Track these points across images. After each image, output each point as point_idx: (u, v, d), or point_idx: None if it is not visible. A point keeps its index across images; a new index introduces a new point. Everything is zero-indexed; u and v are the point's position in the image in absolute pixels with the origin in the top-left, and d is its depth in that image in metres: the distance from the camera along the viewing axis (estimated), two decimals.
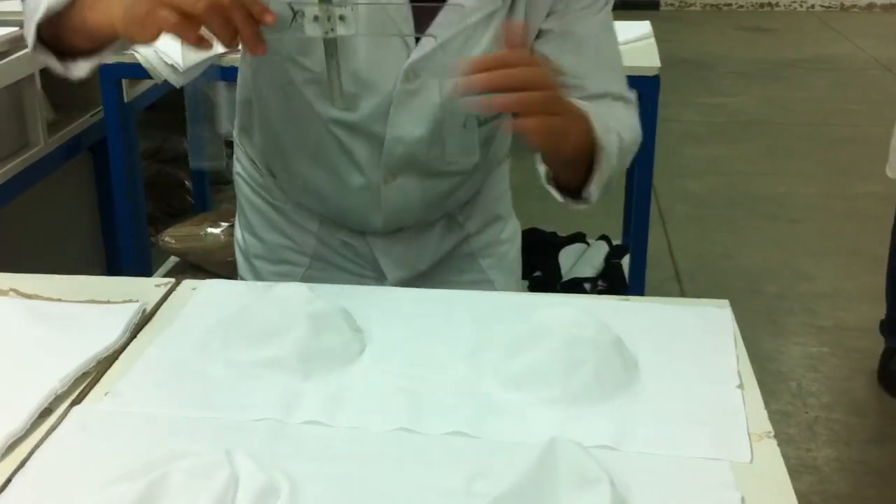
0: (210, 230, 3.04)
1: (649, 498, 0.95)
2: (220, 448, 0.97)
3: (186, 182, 3.84)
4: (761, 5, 9.05)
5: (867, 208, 4.21)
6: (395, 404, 1.11)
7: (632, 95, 1.44)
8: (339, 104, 1.24)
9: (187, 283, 1.40)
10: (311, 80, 1.36)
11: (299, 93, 1.38)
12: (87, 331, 1.24)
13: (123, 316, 1.28)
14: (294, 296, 1.22)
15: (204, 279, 1.42)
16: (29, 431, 1.05)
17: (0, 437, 1.03)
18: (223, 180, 3.96)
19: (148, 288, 1.38)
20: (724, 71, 6.82)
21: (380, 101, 1.36)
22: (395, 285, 1.53)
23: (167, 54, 2.51)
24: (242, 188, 1.63)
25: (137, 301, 1.32)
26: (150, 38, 1.14)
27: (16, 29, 2.44)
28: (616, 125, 1.32)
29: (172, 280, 1.41)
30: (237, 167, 1.64)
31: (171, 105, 3.45)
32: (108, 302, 1.32)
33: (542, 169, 1.33)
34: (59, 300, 1.33)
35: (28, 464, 1.01)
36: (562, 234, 3.42)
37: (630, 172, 3.26)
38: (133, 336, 1.26)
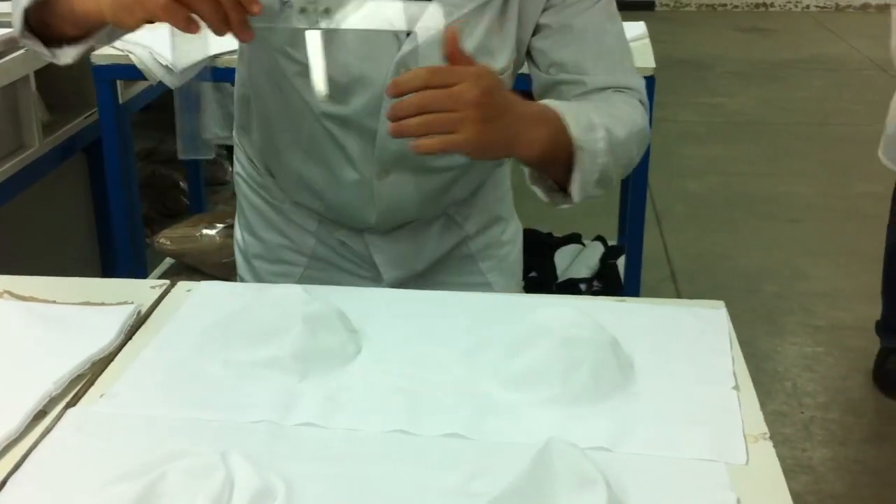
0: (205, 231, 3.04)
1: (645, 499, 0.95)
2: (217, 449, 0.97)
3: (182, 183, 3.84)
4: (756, 6, 9.05)
5: (865, 208, 4.21)
6: (391, 405, 1.11)
7: (638, 83, 1.43)
8: (325, 98, 1.23)
9: (182, 285, 1.39)
10: (303, 73, 1.35)
11: (291, 86, 1.39)
12: (81, 332, 1.24)
13: (118, 318, 1.27)
14: (290, 297, 1.22)
15: (199, 281, 1.42)
16: (24, 434, 1.05)
17: None
18: (219, 181, 3.96)
19: (143, 289, 1.37)
20: (721, 71, 6.82)
21: (371, 96, 1.35)
22: (392, 286, 1.53)
23: (162, 55, 2.51)
24: (242, 188, 1.63)
25: (132, 303, 1.32)
26: (138, 23, 1.13)
27: (10, 30, 2.44)
28: (606, 120, 1.31)
29: (167, 282, 1.40)
30: (237, 167, 1.64)
31: (166, 106, 3.46)
32: (103, 304, 1.32)
33: (526, 169, 1.33)
34: (54, 302, 1.33)
35: (23, 466, 1.00)
36: (557, 234, 3.41)
37: None
38: (128, 338, 1.25)
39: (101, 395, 1.13)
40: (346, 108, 1.37)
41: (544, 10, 1.38)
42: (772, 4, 9.04)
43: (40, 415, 1.09)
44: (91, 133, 2.78)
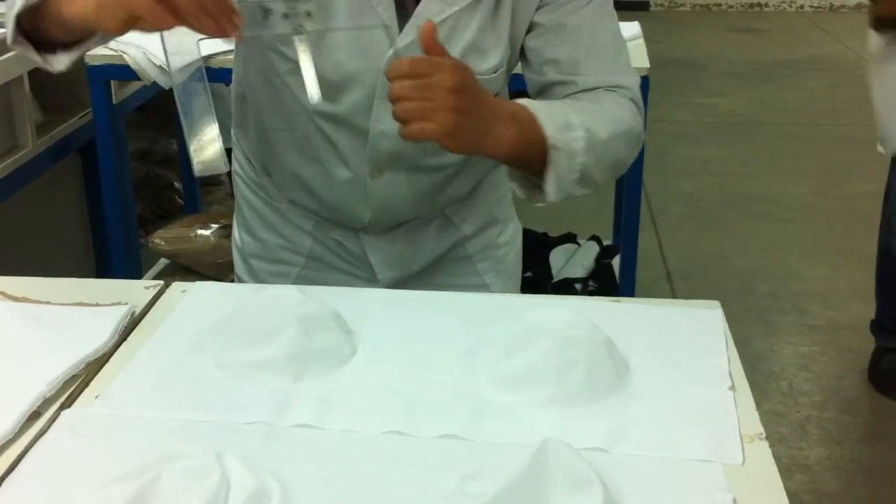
0: (200, 232, 3.04)
1: (641, 500, 0.95)
2: (212, 450, 0.97)
3: (176, 183, 3.84)
4: (751, 6, 9.06)
5: (859, 208, 4.21)
6: (387, 406, 1.10)
7: (631, 81, 1.42)
8: (319, 102, 1.24)
9: (177, 286, 1.39)
10: (295, 71, 1.35)
11: (284, 84, 1.38)
12: (76, 333, 1.23)
13: (113, 318, 1.27)
14: (285, 297, 1.22)
15: (194, 281, 1.42)
16: (18, 435, 1.05)
17: None
18: (213, 182, 3.96)
19: (137, 290, 1.37)
20: (716, 71, 6.83)
21: (363, 94, 1.35)
22: (388, 286, 1.53)
23: (155, 55, 2.51)
24: (240, 187, 1.63)
25: (127, 303, 1.31)
26: (122, 27, 1.13)
27: (3, 31, 2.43)
28: (587, 119, 1.31)
29: (162, 282, 1.40)
30: (234, 165, 1.64)
31: (161, 106, 3.45)
32: (98, 304, 1.32)
33: (503, 166, 1.33)
34: (48, 302, 1.32)
35: (18, 468, 1.00)
36: (552, 234, 3.42)
37: None
38: (122, 339, 1.25)
39: (96, 397, 1.13)
40: (338, 107, 1.37)
41: (538, 8, 1.38)
42: (766, 5, 9.05)
43: (34, 416, 1.08)
44: (85, 133, 2.78)
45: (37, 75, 2.56)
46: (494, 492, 0.92)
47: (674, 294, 3.72)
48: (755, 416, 1.09)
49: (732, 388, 1.14)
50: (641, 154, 2.70)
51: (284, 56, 1.35)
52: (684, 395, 1.13)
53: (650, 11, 8.87)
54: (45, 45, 1.28)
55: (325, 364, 1.18)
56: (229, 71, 1.57)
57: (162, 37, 1.16)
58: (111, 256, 2.88)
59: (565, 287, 3.13)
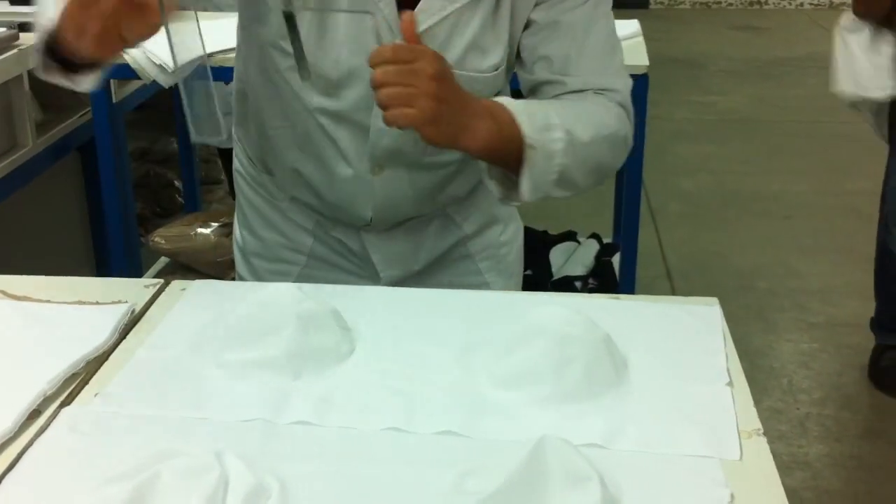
0: (200, 230, 3.04)
1: (639, 496, 0.95)
2: (211, 448, 0.97)
3: (176, 182, 3.84)
4: (750, 3, 9.06)
5: (858, 205, 4.22)
6: (385, 403, 1.11)
7: (622, 85, 1.42)
8: (308, 81, 1.24)
9: (177, 284, 1.39)
10: (295, 67, 1.36)
11: (284, 80, 1.39)
12: (75, 332, 1.24)
13: (112, 317, 1.27)
14: (283, 296, 1.22)
15: (194, 280, 1.42)
16: (18, 433, 1.05)
17: None
18: (213, 180, 3.96)
19: (137, 289, 1.37)
20: (715, 69, 6.83)
21: (364, 90, 1.35)
22: (390, 285, 1.53)
23: (155, 54, 2.51)
24: (240, 185, 1.63)
25: (126, 302, 1.32)
26: (100, 46, 1.15)
27: (2, 30, 2.44)
28: (569, 121, 1.31)
29: (161, 281, 1.40)
30: (235, 164, 1.65)
31: (160, 105, 3.45)
32: (98, 303, 1.32)
33: (483, 163, 1.33)
34: (49, 301, 1.32)
35: (17, 466, 1.00)
36: (552, 232, 3.42)
37: (620, 171, 3.26)
38: (122, 337, 1.25)
39: (96, 395, 1.13)
40: (338, 103, 1.37)
41: (535, 5, 1.38)
42: (766, 2, 9.05)
43: (35, 414, 1.09)
44: (85, 132, 2.78)
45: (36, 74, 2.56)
46: (493, 488, 0.92)
47: (673, 292, 3.72)
48: (753, 412, 1.09)
49: (730, 384, 1.14)
50: (641, 152, 2.72)
51: (285, 52, 1.35)
52: (682, 392, 1.13)
53: (649, 9, 8.87)
54: (70, 65, 1.27)
55: (324, 362, 1.18)
56: (230, 70, 1.57)
57: (168, 30, 1.16)
58: (111, 255, 2.88)
59: (565, 285, 3.14)
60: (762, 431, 1.05)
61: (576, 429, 1.05)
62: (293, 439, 1.05)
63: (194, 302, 1.34)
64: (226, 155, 3.72)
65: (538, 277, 3.15)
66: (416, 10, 1.31)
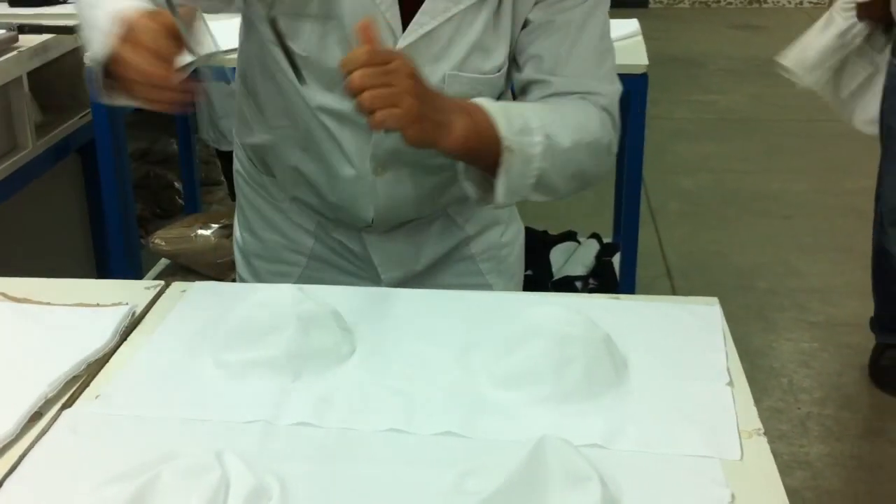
0: (200, 232, 3.04)
1: (640, 496, 0.95)
2: (211, 449, 0.97)
3: (176, 184, 3.84)
4: (750, 2, 9.06)
5: (858, 204, 4.21)
6: (385, 404, 1.11)
7: (609, 90, 1.41)
8: (305, 84, 1.24)
9: (177, 286, 1.40)
10: (300, 67, 1.36)
11: (287, 80, 1.38)
12: (76, 334, 1.24)
13: (113, 319, 1.27)
14: (283, 297, 1.22)
15: (194, 281, 1.42)
16: (20, 435, 1.06)
17: None
18: (213, 181, 3.96)
19: (137, 290, 1.38)
20: (714, 68, 6.82)
21: None
22: (391, 286, 1.53)
23: None
24: (241, 186, 1.64)
25: (127, 304, 1.32)
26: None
27: (2, 32, 2.44)
28: (550, 125, 1.31)
29: (162, 283, 1.40)
30: (236, 164, 1.65)
31: None
32: (98, 305, 1.32)
33: (459, 164, 1.32)
34: (49, 303, 1.33)
35: (19, 468, 1.01)
36: (553, 232, 3.42)
37: (620, 170, 3.26)
38: (123, 339, 1.25)
39: (97, 397, 1.13)
40: (341, 103, 1.37)
41: (534, 5, 1.38)
42: (765, 1, 9.04)
43: (36, 416, 1.09)
44: (85, 134, 2.78)
45: (36, 76, 2.56)
46: (493, 489, 0.92)
47: (673, 291, 3.72)
48: (753, 411, 1.09)
49: (731, 384, 1.14)
50: (641, 152, 2.72)
51: (287, 52, 1.35)
52: (683, 392, 1.13)
53: (649, 9, 8.86)
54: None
55: (324, 363, 1.18)
56: (232, 70, 1.57)
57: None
58: (111, 257, 2.88)
59: (566, 285, 3.14)
60: (763, 431, 1.06)
61: (576, 429, 1.05)
62: (293, 440, 1.05)
63: (195, 304, 1.34)
64: (225, 156, 3.72)
65: (538, 277, 3.15)
66: (419, 11, 1.32)
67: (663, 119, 5.42)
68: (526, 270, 1.76)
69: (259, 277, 1.62)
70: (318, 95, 1.37)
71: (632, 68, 2.65)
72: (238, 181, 1.65)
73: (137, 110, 3.13)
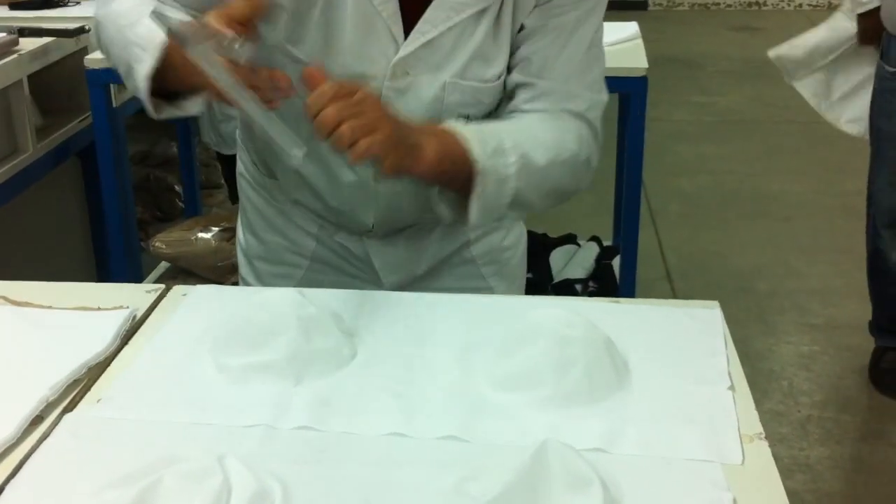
0: (201, 235, 3.04)
1: (641, 499, 0.96)
2: (213, 453, 0.97)
3: (176, 187, 3.84)
4: (749, 4, 9.06)
5: (857, 206, 4.19)
6: (386, 408, 1.11)
7: (592, 99, 1.41)
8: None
9: (178, 289, 1.40)
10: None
11: (290, 85, 1.38)
12: (77, 338, 1.24)
13: (114, 322, 1.27)
14: (284, 300, 1.22)
15: (195, 284, 1.42)
16: (21, 439, 1.06)
17: None
18: (213, 184, 3.96)
19: (138, 294, 1.38)
20: (714, 70, 6.83)
21: None
22: (392, 290, 1.53)
23: None
24: (244, 188, 1.64)
25: (128, 307, 1.32)
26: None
27: (2, 35, 2.44)
28: (524, 144, 1.31)
29: (163, 286, 1.40)
30: (239, 166, 1.65)
31: None
32: (99, 308, 1.32)
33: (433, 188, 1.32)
34: (50, 307, 1.33)
35: (20, 472, 1.01)
36: (552, 235, 3.42)
37: (619, 172, 3.27)
38: (124, 342, 1.25)
39: (98, 400, 1.13)
40: None
41: (531, 11, 1.38)
42: (764, 3, 9.05)
43: (37, 420, 1.09)
44: (85, 137, 2.78)
45: (37, 79, 2.56)
46: (494, 492, 0.92)
47: (673, 292, 3.72)
48: (754, 415, 1.09)
49: (732, 387, 1.14)
50: (640, 154, 2.73)
51: (292, 56, 1.35)
52: (684, 395, 1.13)
53: (648, 11, 8.87)
54: (173, 95, 1.27)
55: (325, 366, 1.18)
56: None
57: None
58: (111, 260, 2.88)
59: (565, 288, 3.14)
60: (763, 435, 1.06)
61: (576, 432, 1.05)
62: (295, 444, 1.05)
63: (196, 307, 1.34)
64: (226, 160, 3.72)
65: (538, 280, 3.16)
66: (421, 19, 1.32)
67: (663, 121, 5.42)
68: (526, 273, 1.76)
69: (261, 279, 1.62)
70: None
71: (631, 70, 2.66)
72: (241, 183, 1.65)
73: (138, 113, 3.14)
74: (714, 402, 1.11)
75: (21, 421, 1.07)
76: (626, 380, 1.16)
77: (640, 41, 2.88)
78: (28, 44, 2.51)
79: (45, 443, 1.05)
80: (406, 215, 1.51)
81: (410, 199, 1.47)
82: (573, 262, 3.28)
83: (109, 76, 2.60)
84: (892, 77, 2.80)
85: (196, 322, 1.29)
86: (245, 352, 1.18)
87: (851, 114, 3.12)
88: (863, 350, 3.19)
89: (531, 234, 3.35)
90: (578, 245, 3.39)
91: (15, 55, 2.44)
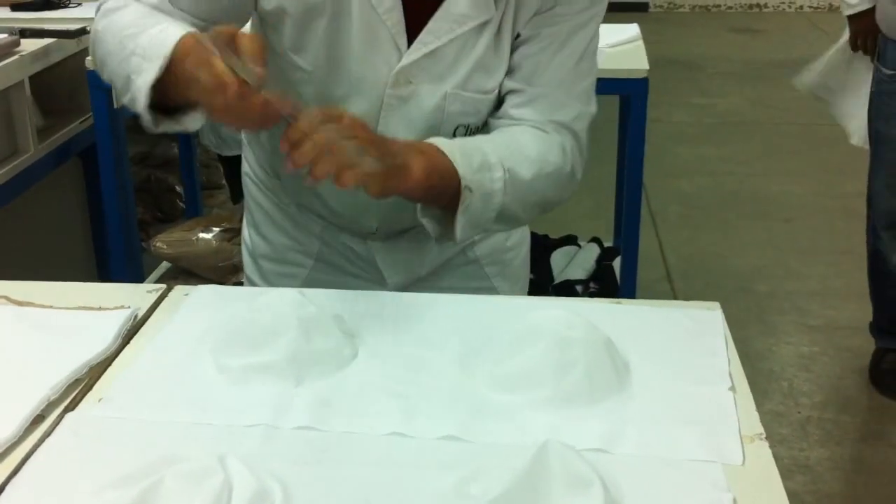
0: (202, 235, 3.04)
1: (642, 500, 0.96)
2: (214, 453, 0.97)
3: (177, 187, 3.84)
4: (750, 6, 9.07)
5: (858, 207, 4.19)
6: (387, 408, 1.11)
7: (579, 110, 1.41)
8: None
9: (179, 289, 1.40)
10: (306, 81, 1.36)
11: (297, 93, 1.39)
12: (78, 337, 1.24)
13: (115, 322, 1.28)
14: (285, 300, 1.22)
15: (196, 284, 1.42)
16: (22, 438, 1.06)
17: None
18: (214, 185, 3.96)
19: (139, 294, 1.38)
20: (714, 72, 6.83)
21: (370, 104, 1.36)
22: (396, 290, 1.53)
23: None
24: (250, 188, 1.64)
25: (129, 307, 1.32)
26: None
27: (4, 36, 2.44)
28: (509, 159, 1.31)
29: (164, 286, 1.41)
30: (245, 167, 1.65)
31: None
32: (100, 308, 1.32)
33: (418, 205, 1.32)
34: (51, 307, 1.33)
35: (21, 471, 1.01)
36: (553, 236, 3.42)
37: (620, 174, 3.27)
38: (125, 342, 1.26)
39: (99, 400, 1.13)
40: None
41: (528, 22, 1.38)
42: (765, 5, 9.06)
43: (38, 419, 1.09)
44: (86, 138, 2.79)
45: (38, 80, 2.57)
46: (495, 493, 0.92)
47: (673, 293, 3.72)
48: (755, 416, 1.09)
49: (732, 388, 1.14)
50: (641, 155, 2.73)
51: (296, 65, 1.36)
52: (684, 396, 1.13)
53: (649, 13, 8.88)
54: (172, 110, 1.25)
55: (326, 366, 1.18)
56: None
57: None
58: (112, 260, 2.88)
59: (566, 289, 3.14)
60: (764, 436, 1.06)
61: (577, 432, 1.05)
62: (295, 444, 1.05)
63: (197, 307, 1.34)
64: (226, 160, 3.72)
65: (539, 281, 3.16)
66: (424, 30, 1.32)
67: (663, 122, 5.43)
68: (529, 273, 1.77)
69: (266, 278, 1.62)
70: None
71: (632, 72, 2.66)
72: (246, 182, 1.65)
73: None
74: (714, 403, 1.12)
75: (22, 420, 1.07)
76: (626, 380, 1.16)
77: (640, 43, 2.89)
78: (29, 45, 2.51)
79: (46, 442, 1.05)
80: (409, 218, 1.51)
81: (413, 204, 1.48)
82: (574, 263, 3.29)
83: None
84: (889, 80, 2.80)
85: (197, 322, 1.29)
86: (246, 352, 1.18)
87: (853, 126, 3.15)
88: (863, 351, 3.19)
89: (532, 235, 3.36)
90: (579, 246, 3.40)
91: (16, 56, 2.44)
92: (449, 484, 0.97)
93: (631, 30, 2.93)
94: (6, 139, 2.49)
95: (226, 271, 2.84)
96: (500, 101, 1.42)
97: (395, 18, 1.32)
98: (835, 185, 4.70)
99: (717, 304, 1.34)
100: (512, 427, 1.08)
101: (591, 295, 3.12)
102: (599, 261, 3.30)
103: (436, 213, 1.32)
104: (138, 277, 2.93)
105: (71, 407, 1.12)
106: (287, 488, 0.97)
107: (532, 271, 3.14)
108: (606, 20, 1.46)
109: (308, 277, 1.58)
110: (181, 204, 3.81)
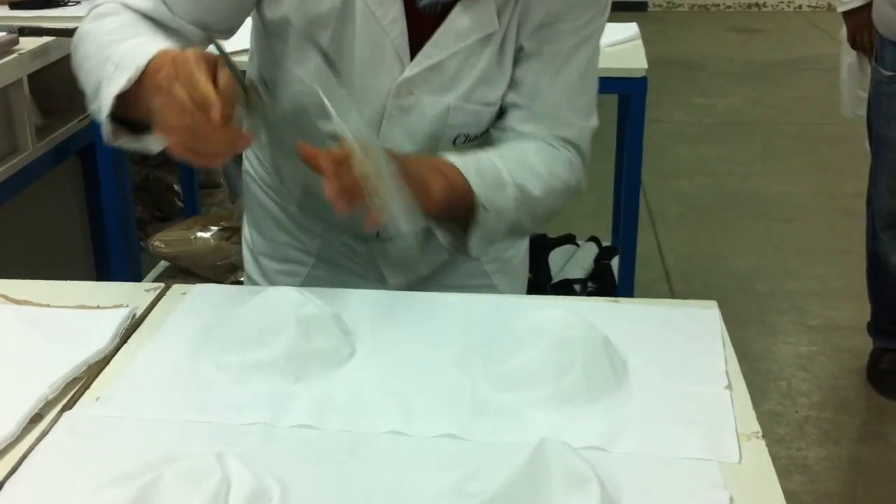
0: (200, 234, 3.04)
1: (638, 498, 0.96)
2: (212, 451, 0.97)
3: (176, 186, 3.84)
4: (749, 6, 9.07)
5: (857, 207, 4.19)
6: (385, 406, 1.11)
7: (582, 125, 1.42)
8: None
9: (177, 288, 1.40)
10: (308, 93, 1.36)
11: (298, 101, 1.39)
12: (76, 336, 1.24)
13: (113, 321, 1.28)
14: (284, 299, 1.22)
15: (194, 283, 1.42)
16: (20, 437, 1.06)
17: None
18: (213, 184, 3.96)
19: (138, 293, 1.38)
20: (713, 71, 6.83)
21: (371, 114, 1.36)
22: (397, 289, 1.54)
23: None
24: (251, 186, 1.64)
25: (127, 306, 1.32)
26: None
27: (2, 34, 2.44)
28: (521, 176, 1.33)
29: (162, 285, 1.41)
30: (246, 165, 1.65)
31: None
32: (98, 307, 1.33)
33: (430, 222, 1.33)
34: (49, 306, 1.33)
35: (19, 469, 1.01)
36: (552, 235, 3.42)
37: (619, 173, 3.27)
38: (123, 341, 1.26)
39: (97, 399, 1.13)
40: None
41: (530, 35, 1.39)
42: (764, 4, 9.06)
43: (36, 418, 1.09)
44: (85, 137, 2.78)
45: (37, 79, 2.56)
46: (493, 491, 0.92)
47: (672, 294, 3.72)
48: (752, 414, 1.09)
49: (729, 387, 1.15)
50: (640, 155, 2.73)
51: (297, 74, 1.36)
52: (681, 395, 1.13)
53: (648, 12, 8.88)
54: (139, 126, 1.23)
55: (325, 365, 1.18)
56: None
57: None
58: (111, 259, 2.88)
59: (564, 288, 3.14)
60: (761, 434, 1.06)
61: (575, 431, 1.05)
62: (294, 442, 1.05)
63: (195, 306, 1.34)
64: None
65: (537, 280, 3.16)
66: (428, 43, 1.32)
67: (662, 122, 5.43)
68: (528, 272, 1.77)
69: (267, 276, 1.62)
70: (326, 122, 1.37)
71: (631, 72, 2.66)
72: (247, 181, 1.65)
73: None
74: (712, 402, 1.12)
75: (20, 419, 1.07)
76: (624, 380, 1.16)
77: (639, 42, 2.89)
78: (28, 43, 2.51)
79: (44, 441, 1.05)
80: None
81: None
82: (572, 262, 3.29)
83: None
84: (889, 81, 2.80)
85: (195, 321, 1.29)
86: (244, 350, 1.18)
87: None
88: (861, 351, 3.20)
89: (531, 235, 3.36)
90: (577, 245, 3.40)
91: (15, 54, 2.44)
92: (447, 482, 0.98)
93: (630, 29, 2.93)
94: (5, 138, 2.49)
95: (224, 270, 2.84)
96: (500, 111, 1.43)
97: (398, 30, 1.32)
98: (835, 185, 4.70)
99: (714, 304, 1.34)
100: (511, 426, 1.08)
101: (590, 294, 3.13)
102: (598, 260, 3.30)
103: (451, 227, 1.34)
104: (137, 276, 2.93)
105: (69, 406, 1.12)
106: (285, 486, 0.97)
107: (530, 270, 3.14)
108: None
109: (309, 275, 1.58)
110: (180, 203, 3.81)
